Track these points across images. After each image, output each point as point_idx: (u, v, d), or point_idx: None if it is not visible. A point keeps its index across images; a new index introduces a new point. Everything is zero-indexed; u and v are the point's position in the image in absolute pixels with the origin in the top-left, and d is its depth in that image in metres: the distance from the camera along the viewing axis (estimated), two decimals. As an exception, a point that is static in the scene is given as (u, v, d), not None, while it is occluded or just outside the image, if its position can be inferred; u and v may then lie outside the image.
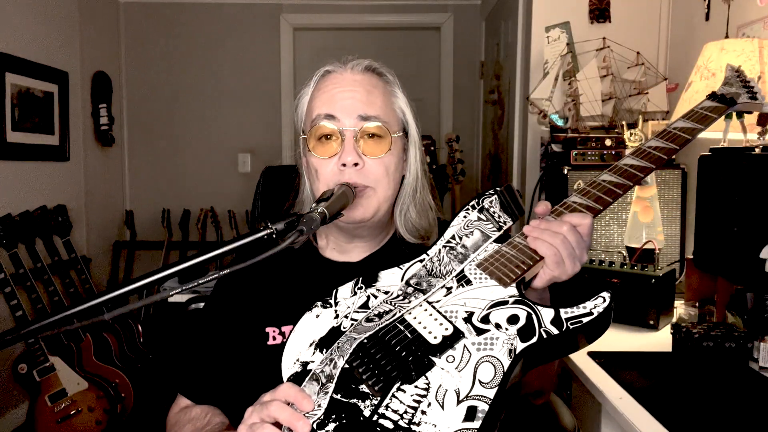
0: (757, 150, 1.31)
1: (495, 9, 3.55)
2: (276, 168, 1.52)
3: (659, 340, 1.51)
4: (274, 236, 0.77)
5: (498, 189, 0.96)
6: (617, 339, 1.53)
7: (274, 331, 1.01)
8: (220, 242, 2.81)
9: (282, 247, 0.75)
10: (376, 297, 0.89)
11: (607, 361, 1.33)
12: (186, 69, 4.16)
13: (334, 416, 0.73)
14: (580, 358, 1.36)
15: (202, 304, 1.93)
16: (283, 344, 0.93)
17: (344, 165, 0.96)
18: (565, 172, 2.07)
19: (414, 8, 4.18)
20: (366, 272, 0.94)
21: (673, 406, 1.11)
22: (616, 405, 1.12)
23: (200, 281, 0.74)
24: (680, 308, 1.63)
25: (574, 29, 2.55)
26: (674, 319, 1.60)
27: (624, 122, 2.16)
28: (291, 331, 0.87)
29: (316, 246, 1.09)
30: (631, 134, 2.08)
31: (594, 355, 1.37)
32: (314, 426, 0.73)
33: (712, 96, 1.05)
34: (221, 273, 0.75)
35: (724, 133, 1.48)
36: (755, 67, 1.55)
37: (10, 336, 0.69)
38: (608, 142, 2.10)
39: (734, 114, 1.47)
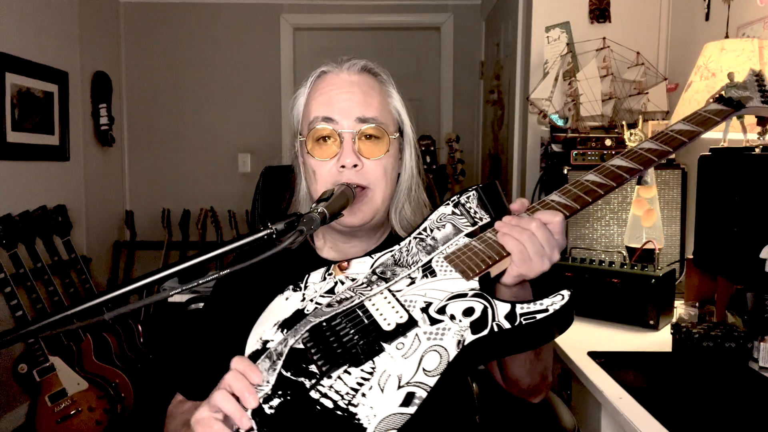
0: (757, 150, 1.32)
1: (495, 9, 3.55)
2: (276, 168, 1.52)
3: (659, 340, 1.51)
4: (274, 236, 0.77)
5: (478, 185, 0.95)
6: (617, 339, 1.53)
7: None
8: (220, 242, 2.81)
9: (282, 247, 0.75)
10: (343, 283, 0.90)
11: (607, 361, 1.33)
12: (186, 69, 4.16)
13: (280, 392, 0.76)
14: (580, 358, 1.36)
15: (202, 304, 1.93)
16: None
17: (343, 166, 0.97)
18: (565, 172, 2.07)
19: (414, 8, 4.18)
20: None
21: (673, 406, 1.11)
22: (616, 405, 1.12)
23: (200, 281, 0.74)
24: (680, 308, 1.63)
25: (574, 29, 2.55)
26: (674, 319, 1.60)
27: (624, 122, 2.16)
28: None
29: (314, 246, 1.10)
30: (631, 134, 2.08)
31: (594, 355, 1.37)
32: (261, 400, 0.76)
33: (719, 99, 1.03)
34: (221, 273, 0.75)
35: (724, 133, 1.48)
36: (755, 68, 1.55)
37: (10, 336, 0.69)
38: (608, 142, 2.10)
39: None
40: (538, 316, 0.75)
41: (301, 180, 1.08)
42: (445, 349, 0.74)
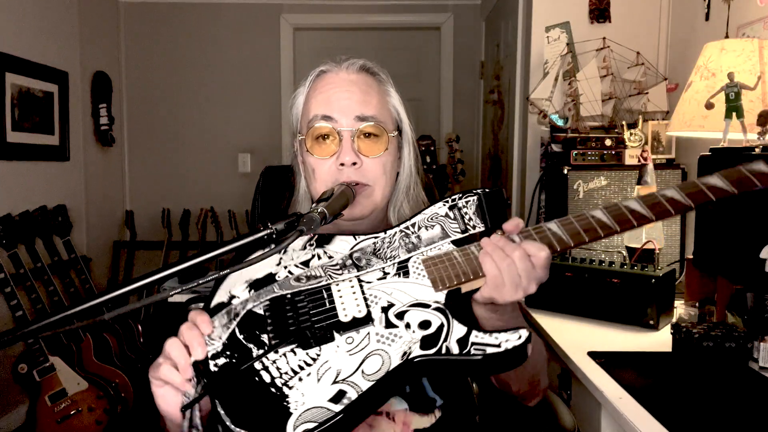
0: (757, 150, 1.31)
1: (495, 9, 3.55)
2: (276, 168, 1.52)
3: (659, 340, 1.51)
4: (274, 236, 0.77)
5: (483, 190, 0.91)
6: (617, 339, 1.53)
7: None
8: (220, 242, 2.81)
9: (281, 248, 0.75)
10: (319, 258, 0.90)
11: (607, 361, 1.33)
12: (186, 69, 4.16)
13: (228, 352, 0.78)
14: (580, 358, 1.36)
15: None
16: None
17: (342, 165, 0.98)
18: (565, 172, 2.07)
19: (414, 8, 4.18)
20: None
21: (673, 406, 1.11)
22: (616, 405, 1.12)
23: (200, 281, 0.74)
24: (680, 308, 1.63)
25: (574, 29, 2.55)
26: (674, 319, 1.60)
27: (624, 122, 2.16)
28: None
29: None
30: (631, 134, 2.08)
31: (594, 355, 1.37)
32: (210, 354, 0.78)
33: None
34: (221, 273, 0.75)
35: (724, 133, 1.48)
36: (755, 67, 1.55)
37: (10, 336, 0.69)
38: (608, 142, 2.10)
39: (734, 114, 1.48)
40: (488, 350, 0.74)
41: (301, 179, 1.08)
42: (389, 357, 0.74)
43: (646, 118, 2.20)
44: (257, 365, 0.76)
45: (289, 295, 0.84)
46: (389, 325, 0.78)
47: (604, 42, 2.39)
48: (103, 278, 3.83)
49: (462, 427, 0.98)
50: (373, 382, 0.73)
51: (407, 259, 0.86)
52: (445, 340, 0.75)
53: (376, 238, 0.91)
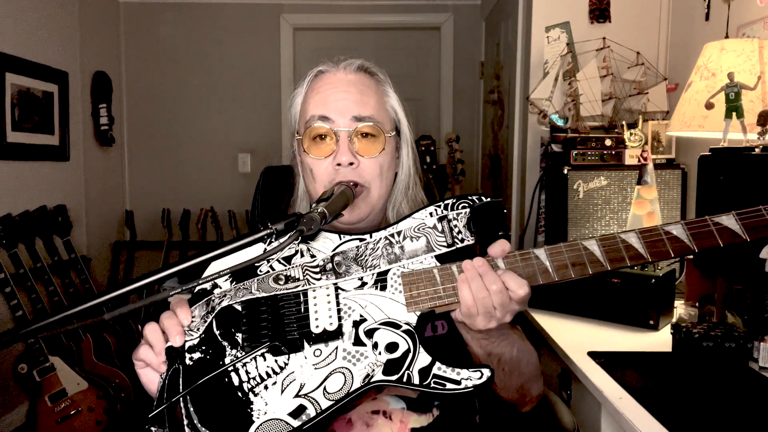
0: (757, 150, 1.31)
1: (495, 9, 3.55)
2: (276, 168, 1.52)
3: (659, 340, 1.51)
4: (273, 236, 0.77)
5: (479, 198, 0.88)
6: (617, 339, 1.53)
7: None
8: (220, 242, 2.81)
9: (281, 247, 0.75)
10: (302, 255, 0.87)
11: (607, 361, 1.33)
12: (186, 69, 4.16)
13: (204, 347, 0.80)
14: (580, 358, 1.36)
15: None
16: None
17: (339, 165, 0.98)
18: (565, 172, 2.07)
19: (414, 8, 4.18)
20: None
21: (673, 406, 1.11)
22: (616, 405, 1.12)
23: (200, 281, 0.74)
24: (680, 308, 1.63)
25: (574, 29, 2.55)
26: (674, 319, 1.60)
27: (624, 122, 2.16)
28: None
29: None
30: (631, 134, 2.08)
31: (594, 355, 1.37)
32: (186, 346, 0.80)
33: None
34: (221, 273, 0.75)
35: (724, 133, 1.48)
36: (755, 67, 1.55)
37: (10, 336, 0.69)
38: (608, 142, 2.10)
39: (734, 114, 1.47)
40: (448, 386, 0.75)
41: (299, 179, 1.09)
42: (352, 377, 0.76)
43: (646, 118, 2.20)
44: (229, 365, 0.78)
45: (264, 299, 0.84)
46: (357, 342, 0.79)
47: (604, 42, 2.39)
48: (103, 278, 3.83)
49: (460, 426, 0.98)
50: (332, 402, 0.75)
51: (387, 271, 0.85)
52: (408, 367, 0.76)
53: (361, 240, 0.88)
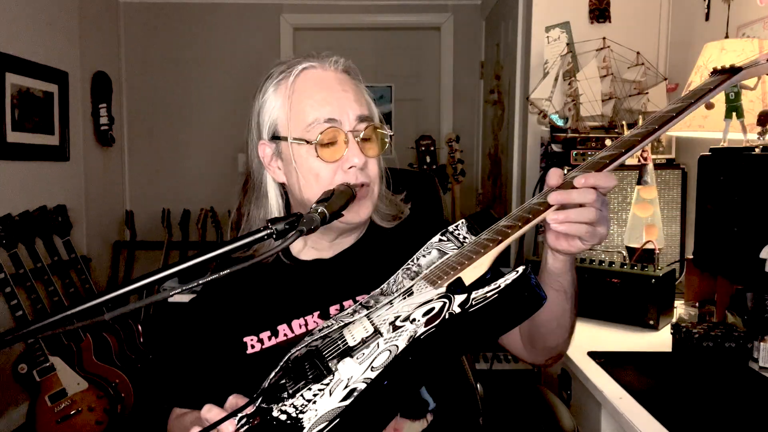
0: (757, 150, 1.32)
1: (495, 9, 3.55)
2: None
3: (659, 340, 1.51)
4: (274, 236, 0.77)
5: (468, 216, 0.95)
6: (617, 339, 1.53)
7: (252, 340, 1.00)
8: (220, 242, 2.81)
9: (281, 248, 0.75)
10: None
11: (607, 361, 1.33)
12: (186, 69, 4.16)
13: (251, 419, 0.75)
14: (580, 358, 1.36)
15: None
16: (262, 351, 0.94)
17: (351, 167, 0.97)
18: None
19: (414, 8, 4.18)
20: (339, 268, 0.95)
21: (673, 406, 1.11)
22: (616, 405, 1.12)
23: (200, 281, 0.74)
24: (680, 308, 1.63)
25: (574, 29, 2.55)
26: (674, 319, 1.60)
27: (624, 122, 2.16)
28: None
29: (288, 249, 1.08)
30: (631, 134, 2.08)
31: (594, 355, 1.37)
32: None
33: (714, 71, 0.97)
34: (221, 273, 0.75)
35: (724, 133, 1.48)
36: (755, 67, 1.55)
37: (10, 336, 0.69)
38: (608, 142, 2.10)
39: (734, 114, 1.47)
40: (489, 295, 0.72)
41: (268, 185, 1.06)
42: (396, 347, 0.72)
43: (646, 118, 2.20)
44: (276, 413, 0.73)
45: (302, 351, 0.83)
46: (396, 329, 0.76)
47: (604, 42, 2.39)
48: (103, 278, 3.83)
49: (465, 428, 0.98)
50: (380, 370, 0.70)
51: (411, 285, 0.86)
52: (448, 309, 0.73)
53: (380, 288, 0.92)
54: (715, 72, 0.98)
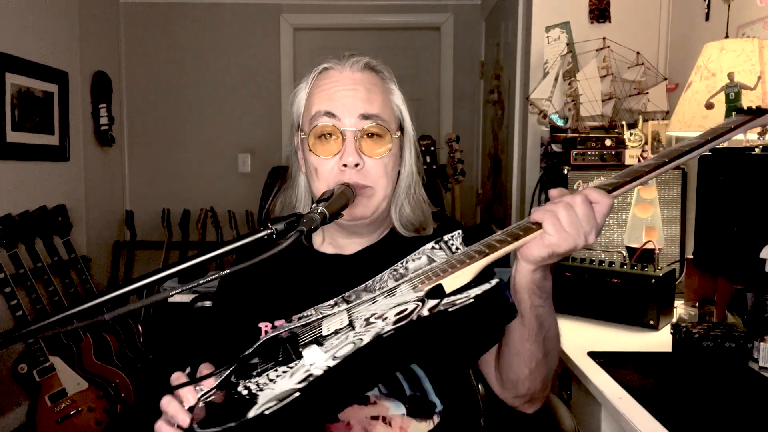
0: (757, 150, 1.32)
1: (495, 9, 3.55)
2: (281, 168, 1.52)
3: (659, 340, 1.51)
4: (274, 236, 0.77)
5: (467, 227, 0.94)
6: (617, 339, 1.53)
7: (267, 326, 1.01)
8: (220, 242, 2.81)
9: (282, 248, 0.75)
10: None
11: (607, 361, 1.33)
12: (186, 69, 4.16)
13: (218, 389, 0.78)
14: (580, 358, 1.36)
15: (207, 302, 1.93)
16: None
17: (345, 165, 0.97)
18: (565, 172, 2.07)
19: (414, 8, 4.18)
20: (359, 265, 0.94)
21: (673, 406, 1.11)
22: (616, 405, 1.12)
23: (200, 281, 0.74)
24: (680, 308, 1.63)
25: (574, 29, 2.55)
26: (674, 319, 1.60)
27: (624, 122, 2.16)
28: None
29: (312, 242, 1.10)
30: (631, 134, 2.08)
31: (594, 355, 1.37)
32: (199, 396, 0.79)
33: (738, 110, 0.97)
34: (221, 273, 0.75)
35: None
36: (755, 67, 1.55)
37: (10, 336, 0.69)
38: (608, 142, 2.10)
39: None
40: (458, 303, 0.72)
41: (300, 175, 1.08)
42: (362, 340, 0.73)
43: (646, 118, 2.20)
44: (240, 388, 0.75)
45: (279, 335, 0.84)
46: (367, 324, 0.77)
47: (604, 42, 2.39)
48: (103, 278, 3.83)
49: (466, 429, 0.98)
50: (340, 360, 0.71)
51: (395, 287, 0.86)
52: (418, 311, 0.74)
53: (365, 284, 0.92)
54: (739, 111, 0.98)
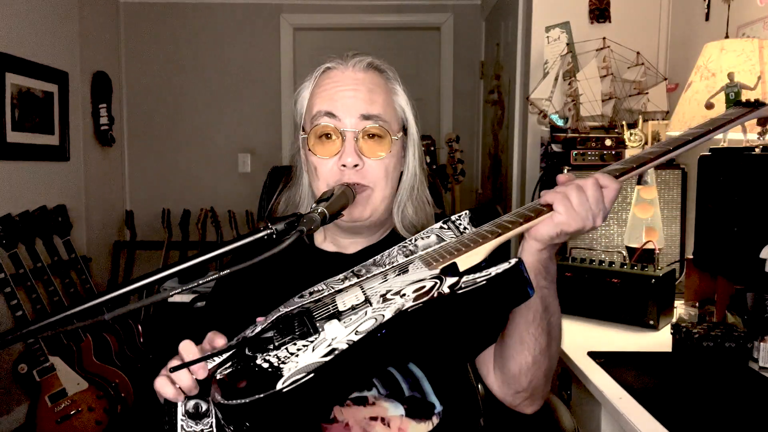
0: (757, 150, 1.32)
1: (495, 9, 3.55)
2: (282, 168, 1.52)
3: (659, 340, 1.51)
4: (274, 236, 0.77)
5: (473, 208, 0.96)
6: (617, 339, 1.53)
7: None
8: (220, 242, 2.81)
9: (281, 248, 0.75)
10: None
11: (607, 361, 1.33)
12: (186, 69, 4.16)
13: (234, 361, 0.78)
14: (580, 358, 1.36)
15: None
16: None
17: (344, 166, 0.97)
18: (565, 172, 2.07)
19: (414, 8, 4.18)
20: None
21: (673, 406, 1.11)
22: (616, 405, 1.12)
23: (200, 281, 0.74)
24: (680, 308, 1.63)
25: (574, 29, 2.55)
26: (674, 319, 1.60)
27: (624, 122, 2.16)
28: None
29: (314, 240, 1.10)
30: (631, 134, 2.08)
31: (594, 355, 1.37)
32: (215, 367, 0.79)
33: (737, 102, 1.01)
34: (221, 273, 0.75)
35: (723, 133, 1.48)
36: (755, 67, 1.55)
37: (10, 336, 0.69)
38: (608, 142, 2.10)
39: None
40: (479, 281, 0.72)
41: (303, 174, 1.08)
42: (383, 316, 0.73)
43: (646, 118, 2.20)
44: (259, 360, 0.76)
45: (293, 310, 0.84)
46: (385, 300, 0.77)
47: (604, 42, 2.39)
48: (103, 278, 3.83)
49: (466, 429, 0.98)
50: (364, 334, 0.71)
51: (406, 262, 0.87)
52: (438, 289, 0.74)
53: (372, 258, 0.94)
54: (738, 104, 1.01)
